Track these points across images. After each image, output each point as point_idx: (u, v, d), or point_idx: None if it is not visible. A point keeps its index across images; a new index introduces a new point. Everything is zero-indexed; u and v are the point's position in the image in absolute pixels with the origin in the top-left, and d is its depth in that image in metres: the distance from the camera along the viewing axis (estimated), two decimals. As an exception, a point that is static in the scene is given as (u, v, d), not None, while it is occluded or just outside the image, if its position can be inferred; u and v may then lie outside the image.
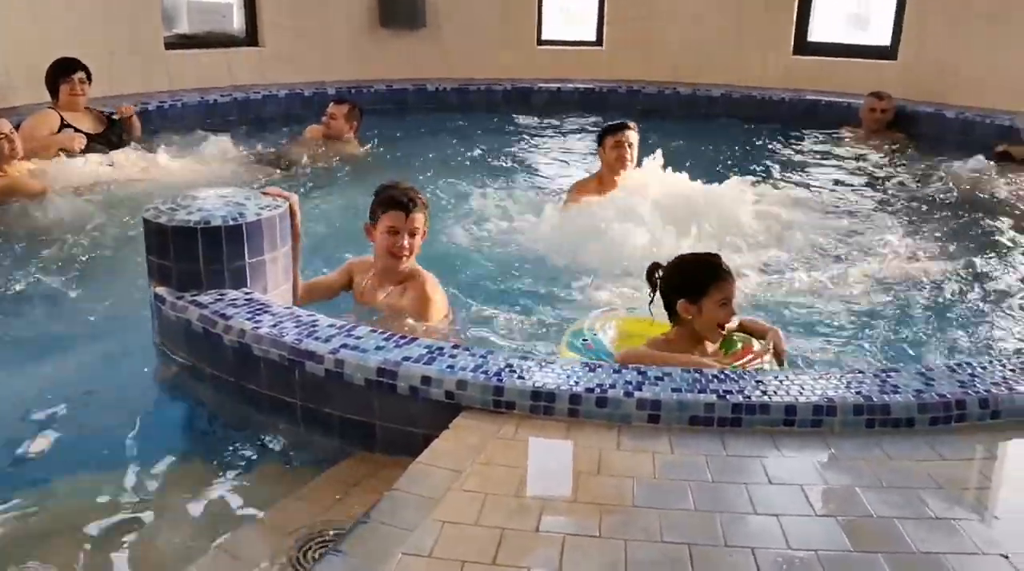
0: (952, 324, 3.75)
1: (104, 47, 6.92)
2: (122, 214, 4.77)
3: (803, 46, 8.46)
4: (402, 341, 2.70)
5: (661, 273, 3.09)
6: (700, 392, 2.44)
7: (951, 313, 3.88)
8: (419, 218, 3.43)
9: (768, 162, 6.75)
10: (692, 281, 2.98)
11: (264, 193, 3.32)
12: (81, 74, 5.83)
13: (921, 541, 1.90)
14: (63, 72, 5.80)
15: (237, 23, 8.19)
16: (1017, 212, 5.35)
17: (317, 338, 2.71)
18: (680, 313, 2.99)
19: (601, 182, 5.09)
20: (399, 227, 3.38)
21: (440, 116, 8.03)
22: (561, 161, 6.83)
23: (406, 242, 3.40)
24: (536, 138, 7.68)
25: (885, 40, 8.12)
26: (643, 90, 8.46)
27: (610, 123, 5.22)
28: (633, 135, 5.08)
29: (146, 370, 3.18)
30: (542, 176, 6.38)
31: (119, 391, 3.07)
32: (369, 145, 6.55)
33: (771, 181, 6.12)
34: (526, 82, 8.57)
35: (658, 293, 3.10)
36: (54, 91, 5.83)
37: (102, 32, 7.04)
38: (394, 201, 3.40)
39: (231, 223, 3.03)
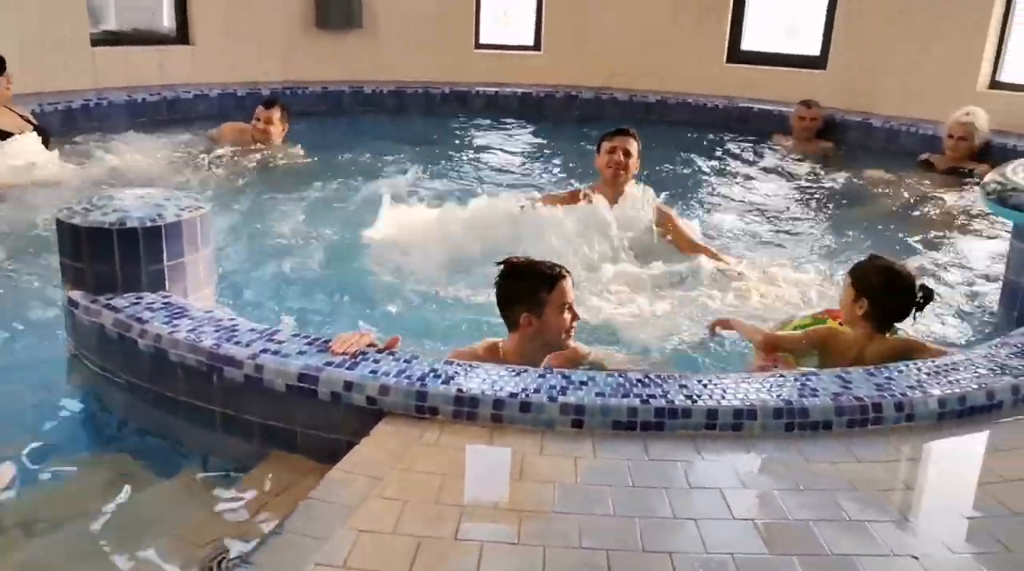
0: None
1: (27, 42, 6.69)
2: (39, 214, 4.60)
3: (736, 54, 8.59)
4: (324, 345, 2.65)
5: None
6: (624, 396, 2.44)
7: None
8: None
9: (699, 168, 6.83)
10: None
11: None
12: None
13: (835, 543, 1.92)
14: None
15: (167, 21, 7.99)
16: (937, 221, 5.50)
17: (237, 343, 2.65)
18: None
19: (595, 192, 4.65)
20: (571, 300, 3.04)
21: (376, 118, 7.95)
22: (498, 165, 6.81)
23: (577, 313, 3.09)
24: (474, 142, 7.65)
25: (815, 50, 8.29)
26: (580, 95, 8.49)
27: (608, 130, 4.78)
28: (631, 143, 4.64)
29: (57, 377, 3.06)
30: (478, 179, 6.34)
31: (28, 397, 2.96)
32: (300, 146, 6.41)
33: (701, 187, 6.18)
34: (464, 85, 8.52)
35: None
36: None
37: (23, 27, 6.80)
38: (555, 275, 3.01)
39: (148, 224, 2.94)
